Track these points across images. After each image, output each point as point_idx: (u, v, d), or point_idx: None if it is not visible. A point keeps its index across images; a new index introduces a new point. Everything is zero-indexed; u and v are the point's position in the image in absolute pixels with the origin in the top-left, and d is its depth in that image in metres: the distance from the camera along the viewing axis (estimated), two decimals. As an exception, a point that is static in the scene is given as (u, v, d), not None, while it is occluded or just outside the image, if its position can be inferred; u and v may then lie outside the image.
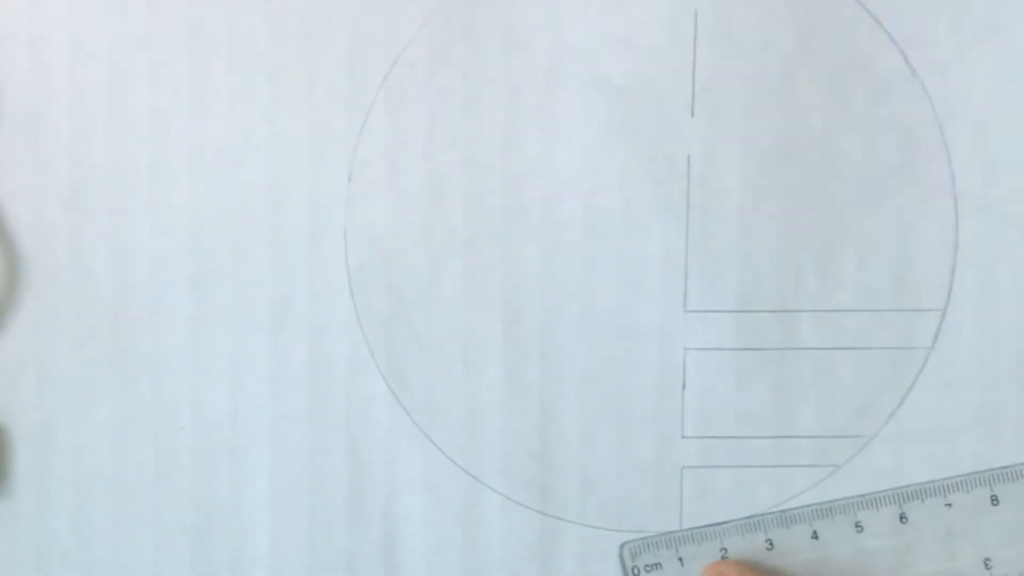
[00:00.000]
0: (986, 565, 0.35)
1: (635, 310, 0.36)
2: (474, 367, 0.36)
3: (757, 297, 0.36)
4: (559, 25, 0.35)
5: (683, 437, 0.36)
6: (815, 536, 0.35)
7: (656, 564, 0.36)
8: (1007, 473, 0.35)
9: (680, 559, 0.36)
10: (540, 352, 0.36)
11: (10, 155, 0.36)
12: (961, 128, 0.35)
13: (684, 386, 0.36)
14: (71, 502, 0.37)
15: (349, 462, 0.37)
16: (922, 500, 0.35)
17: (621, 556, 0.36)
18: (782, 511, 0.36)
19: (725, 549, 0.36)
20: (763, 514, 0.36)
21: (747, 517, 0.36)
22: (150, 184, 0.36)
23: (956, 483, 0.35)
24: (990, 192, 0.35)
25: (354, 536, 0.37)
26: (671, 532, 0.36)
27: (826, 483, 0.36)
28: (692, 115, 0.35)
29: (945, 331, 0.35)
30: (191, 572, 0.37)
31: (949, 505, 0.35)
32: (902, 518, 0.35)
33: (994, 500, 0.35)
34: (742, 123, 0.35)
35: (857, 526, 0.35)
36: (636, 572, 0.36)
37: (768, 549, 0.36)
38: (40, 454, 0.37)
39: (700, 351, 0.36)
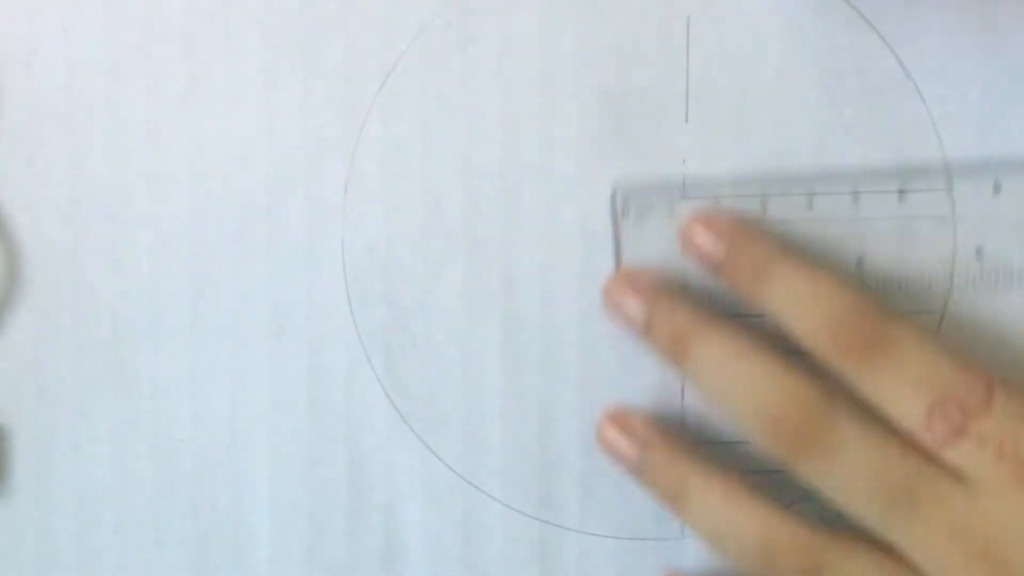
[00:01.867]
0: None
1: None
2: (473, 375, 0.36)
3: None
4: (553, 33, 0.36)
5: (682, 443, 0.36)
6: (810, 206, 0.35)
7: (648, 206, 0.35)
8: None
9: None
10: (539, 359, 0.36)
11: (8, 167, 0.37)
12: (958, 131, 0.35)
13: (683, 394, 0.36)
14: (72, 513, 0.37)
15: (348, 471, 0.37)
16: None
17: (613, 199, 0.35)
18: (781, 177, 0.35)
19: (718, 200, 0.35)
20: (762, 177, 0.35)
21: (745, 178, 0.35)
22: (147, 196, 0.37)
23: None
24: (987, 194, 0.35)
25: (354, 545, 0.37)
26: (668, 183, 0.35)
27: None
28: (686, 120, 0.35)
29: (943, 334, 0.35)
30: (192, 582, 0.37)
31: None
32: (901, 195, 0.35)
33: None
34: (735, 128, 0.35)
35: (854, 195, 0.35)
36: (626, 214, 0.35)
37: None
38: (40, 465, 0.37)
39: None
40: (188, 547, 0.37)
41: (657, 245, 0.35)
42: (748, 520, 0.33)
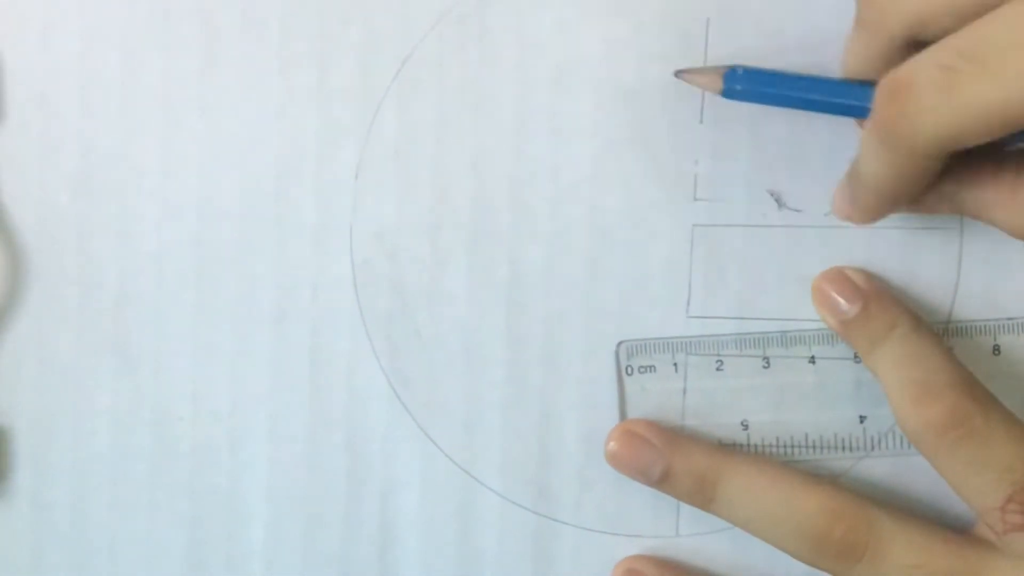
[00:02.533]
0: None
1: (638, 314, 0.36)
2: (475, 366, 0.36)
3: (760, 304, 0.36)
4: (571, 28, 0.36)
5: (681, 443, 0.36)
6: (812, 360, 0.35)
7: (651, 367, 0.36)
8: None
9: (675, 364, 0.36)
10: (542, 353, 0.36)
11: (19, 142, 0.37)
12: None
13: (684, 392, 0.36)
14: (68, 487, 0.37)
15: (347, 457, 0.37)
16: None
17: (617, 354, 0.36)
18: (783, 332, 0.36)
19: (721, 361, 0.36)
20: (764, 333, 0.36)
21: (746, 333, 0.36)
22: (158, 174, 0.37)
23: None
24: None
25: (349, 530, 0.37)
26: (669, 337, 0.36)
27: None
28: (701, 122, 0.35)
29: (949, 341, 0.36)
30: (186, 561, 0.37)
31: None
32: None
33: None
34: (750, 130, 0.35)
35: (857, 358, 0.35)
36: (630, 371, 0.36)
37: (764, 368, 0.36)
38: (40, 438, 0.37)
39: (700, 357, 0.36)
40: (183, 527, 0.37)
41: (660, 399, 0.36)
42: (794, 497, 0.34)
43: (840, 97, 0.32)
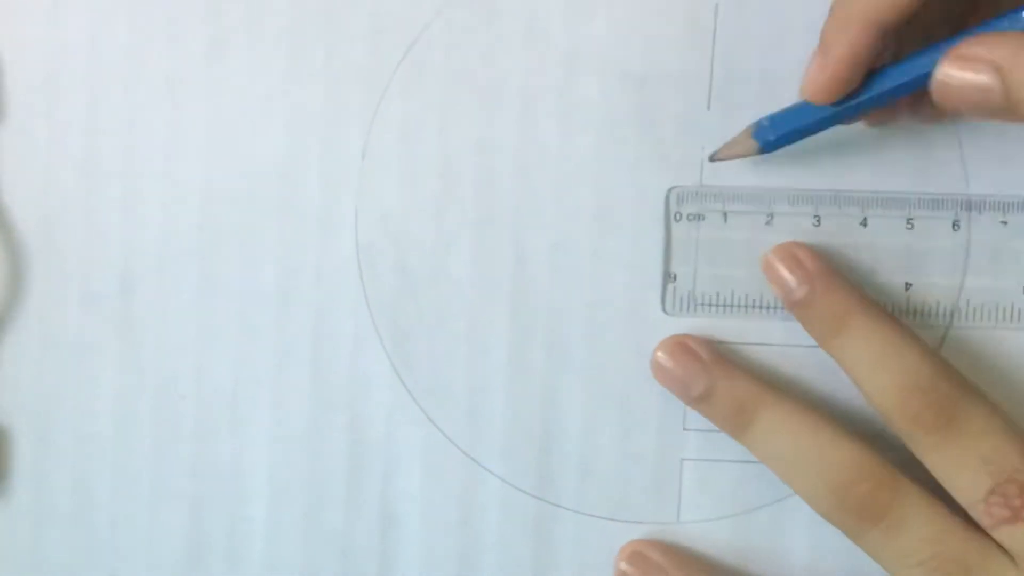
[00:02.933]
0: None
1: (642, 301, 0.36)
2: (479, 350, 0.37)
3: (766, 292, 0.36)
4: (579, 13, 0.35)
5: (684, 429, 0.36)
6: (864, 223, 0.35)
7: (699, 215, 0.35)
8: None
9: (724, 214, 0.36)
10: (545, 338, 0.36)
11: (24, 124, 0.37)
12: (975, 124, 0.35)
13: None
14: (70, 464, 0.37)
15: (349, 438, 0.37)
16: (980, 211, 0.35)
17: (667, 200, 0.35)
18: (836, 191, 0.35)
19: (771, 215, 0.35)
20: (817, 190, 0.35)
21: (799, 189, 0.35)
22: (163, 153, 0.37)
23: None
24: (1003, 194, 0.35)
25: (351, 512, 0.37)
26: (721, 186, 0.35)
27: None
28: (708, 108, 0.35)
29: (951, 338, 0.35)
30: (187, 539, 0.37)
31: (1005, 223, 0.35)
32: (955, 224, 0.35)
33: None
34: (755, 117, 0.35)
35: (910, 222, 0.35)
36: (678, 218, 0.36)
37: (815, 225, 0.35)
38: (42, 416, 0.37)
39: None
40: (184, 505, 0.37)
41: (708, 250, 0.36)
42: (829, 444, 0.33)
43: (854, 112, 0.32)
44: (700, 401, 0.35)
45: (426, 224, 0.36)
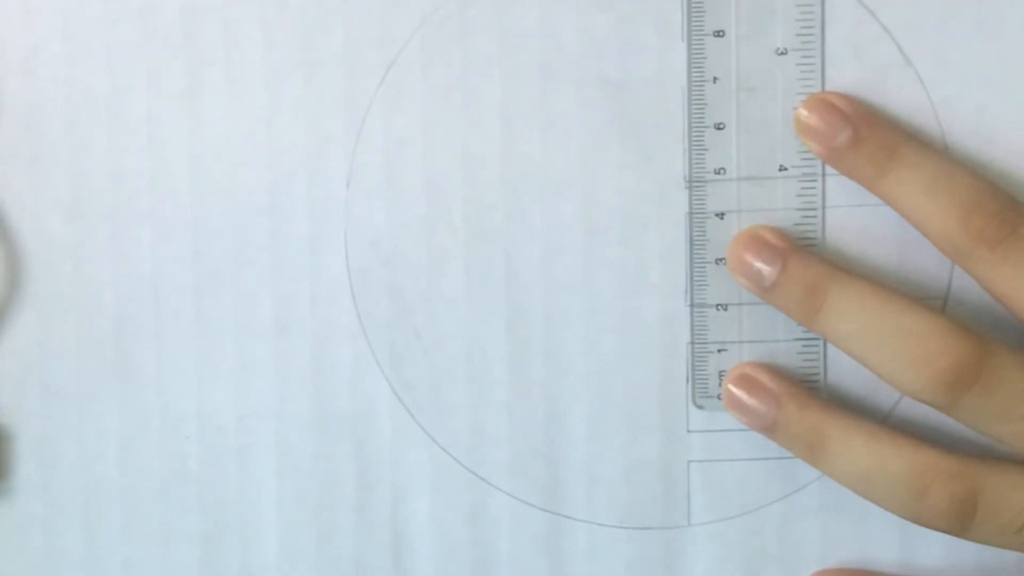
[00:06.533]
0: None
1: (637, 306, 0.36)
2: (478, 367, 0.36)
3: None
4: (552, 23, 0.36)
5: (688, 432, 0.36)
6: None
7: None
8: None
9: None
10: (544, 350, 0.36)
11: (9, 166, 0.37)
12: (958, 116, 0.35)
13: (688, 380, 0.36)
14: (78, 511, 0.37)
15: (355, 466, 0.37)
16: None
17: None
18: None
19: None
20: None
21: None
22: (150, 192, 0.37)
23: None
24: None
25: (362, 539, 0.37)
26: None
27: (833, 474, 0.36)
28: (687, 111, 0.35)
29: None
30: (200, 579, 0.37)
31: None
32: None
33: None
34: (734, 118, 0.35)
35: None
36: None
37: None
38: (45, 464, 0.37)
39: (703, 345, 0.36)
40: (195, 544, 0.37)
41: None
42: (896, 454, 0.33)
43: None
44: (771, 289, 0.34)
45: (416, 245, 0.36)
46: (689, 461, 0.36)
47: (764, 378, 0.35)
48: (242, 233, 0.37)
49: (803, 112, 0.34)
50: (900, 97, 0.35)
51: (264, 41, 0.36)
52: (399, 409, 0.37)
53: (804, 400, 0.34)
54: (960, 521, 0.32)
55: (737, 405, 0.35)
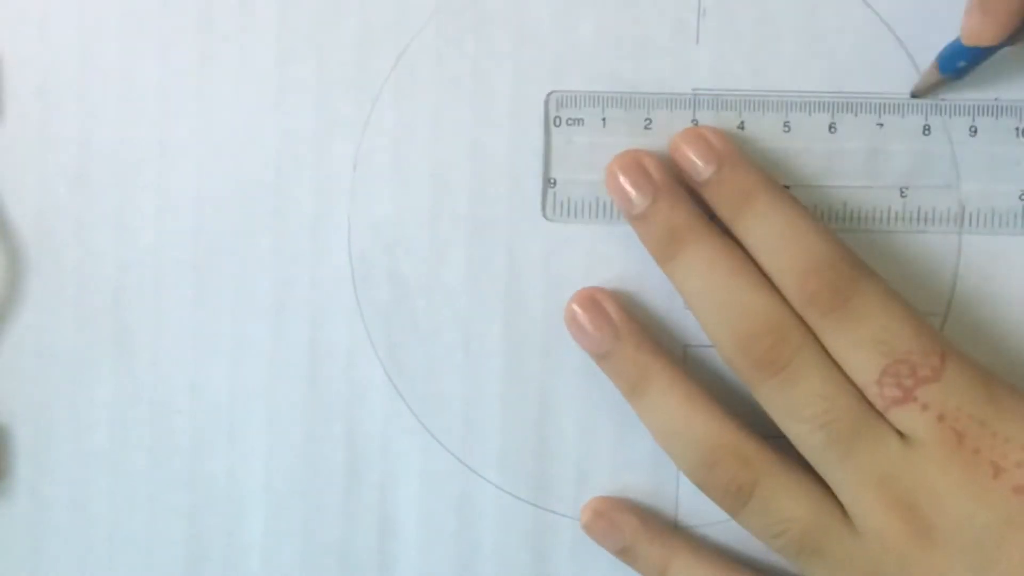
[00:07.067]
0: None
1: (636, 306, 0.36)
2: (473, 358, 0.36)
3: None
4: (567, 18, 0.36)
5: (680, 434, 0.36)
6: (741, 126, 0.35)
7: (579, 119, 0.35)
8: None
9: (604, 119, 0.35)
10: (540, 345, 0.36)
11: (17, 135, 0.37)
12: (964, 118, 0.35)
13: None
14: (68, 481, 0.37)
15: (346, 449, 0.37)
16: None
17: (546, 104, 0.35)
18: (713, 93, 0.35)
19: (650, 120, 0.35)
20: (691, 93, 0.36)
21: (673, 93, 0.35)
22: (156, 166, 0.37)
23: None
24: (994, 191, 0.35)
25: (348, 523, 0.37)
26: (600, 91, 0.36)
27: (822, 485, 0.36)
28: (694, 113, 0.35)
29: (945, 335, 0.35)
30: (185, 553, 0.37)
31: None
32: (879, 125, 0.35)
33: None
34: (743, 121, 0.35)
35: (832, 127, 0.35)
36: (557, 123, 0.35)
37: (694, 123, 0.35)
38: (39, 433, 0.37)
39: (700, 347, 0.36)
40: (181, 519, 0.37)
41: (588, 155, 0.36)
42: (702, 422, 0.34)
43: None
44: (639, 218, 0.34)
45: (419, 233, 0.36)
46: (679, 464, 0.36)
47: (610, 308, 0.35)
48: (246, 211, 0.37)
49: (677, 140, 0.35)
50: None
51: (278, 20, 0.36)
52: (393, 395, 0.37)
53: (641, 340, 0.35)
54: (733, 505, 0.33)
55: (577, 327, 0.35)
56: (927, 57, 0.35)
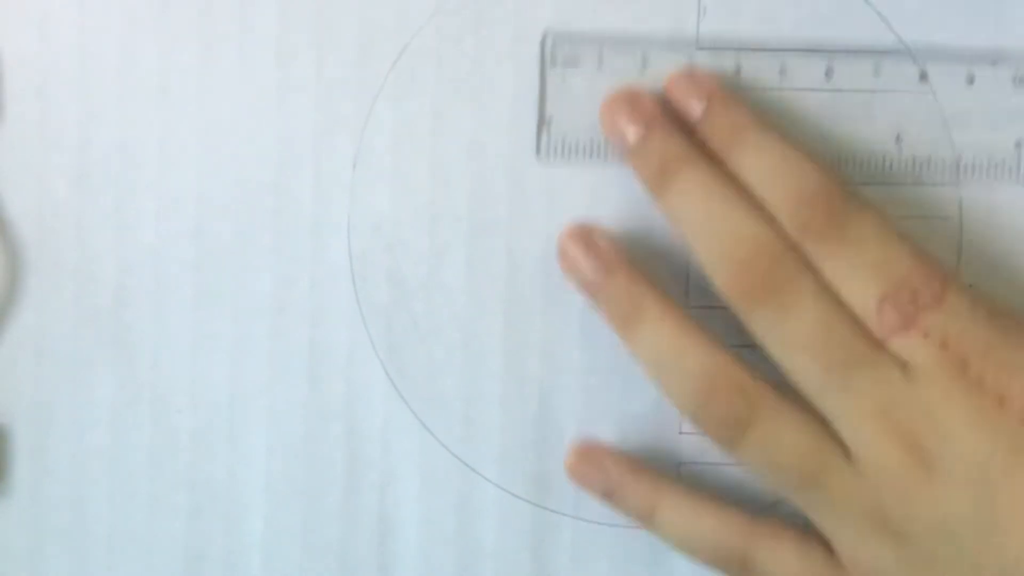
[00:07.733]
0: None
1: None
2: (473, 357, 0.36)
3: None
4: (566, 17, 0.36)
5: (680, 433, 0.36)
6: (738, 70, 0.35)
7: (575, 58, 0.35)
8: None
9: (600, 59, 0.35)
10: (540, 344, 0.36)
11: (17, 134, 0.37)
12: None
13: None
14: (67, 480, 0.37)
15: (346, 449, 0.37)
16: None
17: (542, 43, 0.35)
18: (711, 37, 0.35)
19: (646, 60, 0.35)
20: (689, 37, 0.35)
21: (670, 38, 0.35)
22: (156, 165, 0.37)
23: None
24: (995, 182, 0.35)
25: (348, 522, 0.37)
26: (596, 32, 0.35)
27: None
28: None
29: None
30: (185, 553, 0.37)
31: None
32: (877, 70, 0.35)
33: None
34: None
35: (828, 72, 0.35)
36: (554, 62, 0.35)
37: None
38: (39, 432, 0.37)
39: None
40: (181, 518, 0.37)
41: (585, 96, 0.35)
42: (696, 353, 0.33)
43: None
44: (632, 151, 0.34)
45: (419, 232, 0.36)
46: (680, 463, 0.36)
47: (601, 242, 0.35)
48: (246, 210, 0.37)
49: (670, 81, 0.35)
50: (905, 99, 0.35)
51: (278, 18, 0.36)
52: (392, 395, 0.37)
53: (633, 272, 0.34)
54: (730, 437, 0.33)
55: (569, 260, 0.35)
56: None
